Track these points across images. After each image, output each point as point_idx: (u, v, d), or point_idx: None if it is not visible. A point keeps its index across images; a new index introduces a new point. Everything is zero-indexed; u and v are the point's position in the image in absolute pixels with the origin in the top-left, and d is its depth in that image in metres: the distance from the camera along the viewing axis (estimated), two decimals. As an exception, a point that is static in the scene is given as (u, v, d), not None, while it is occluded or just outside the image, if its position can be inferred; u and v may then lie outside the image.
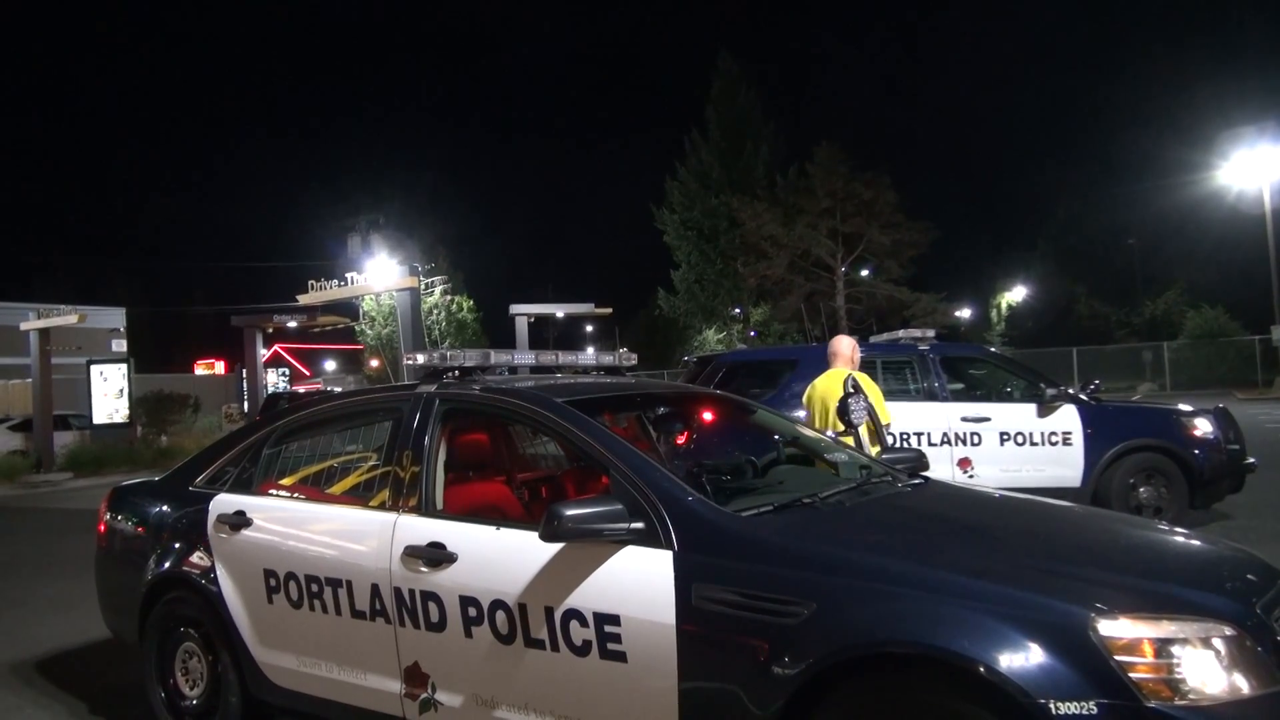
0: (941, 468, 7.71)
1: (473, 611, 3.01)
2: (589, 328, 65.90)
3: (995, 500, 3.50)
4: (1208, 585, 2.46)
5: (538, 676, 2.89)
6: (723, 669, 2.54)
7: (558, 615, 2.82)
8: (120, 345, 28.51)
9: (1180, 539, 3.03)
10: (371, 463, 3.83)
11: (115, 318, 32.89)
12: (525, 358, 3.97)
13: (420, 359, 3.73)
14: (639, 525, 2.76)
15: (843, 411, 4.71)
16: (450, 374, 3.64)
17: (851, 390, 4.82)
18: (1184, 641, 2.20)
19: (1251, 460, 8.10)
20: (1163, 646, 2.19)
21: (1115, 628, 2.19)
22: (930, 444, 7.77)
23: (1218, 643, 2.23)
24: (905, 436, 7.75)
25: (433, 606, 3.10)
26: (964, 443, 7.81)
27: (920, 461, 3.91)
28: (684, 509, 2.79)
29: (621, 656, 2.70)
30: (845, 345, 6.04)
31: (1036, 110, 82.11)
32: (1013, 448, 7.78)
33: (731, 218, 39.04)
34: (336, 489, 3.83)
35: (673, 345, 45.01)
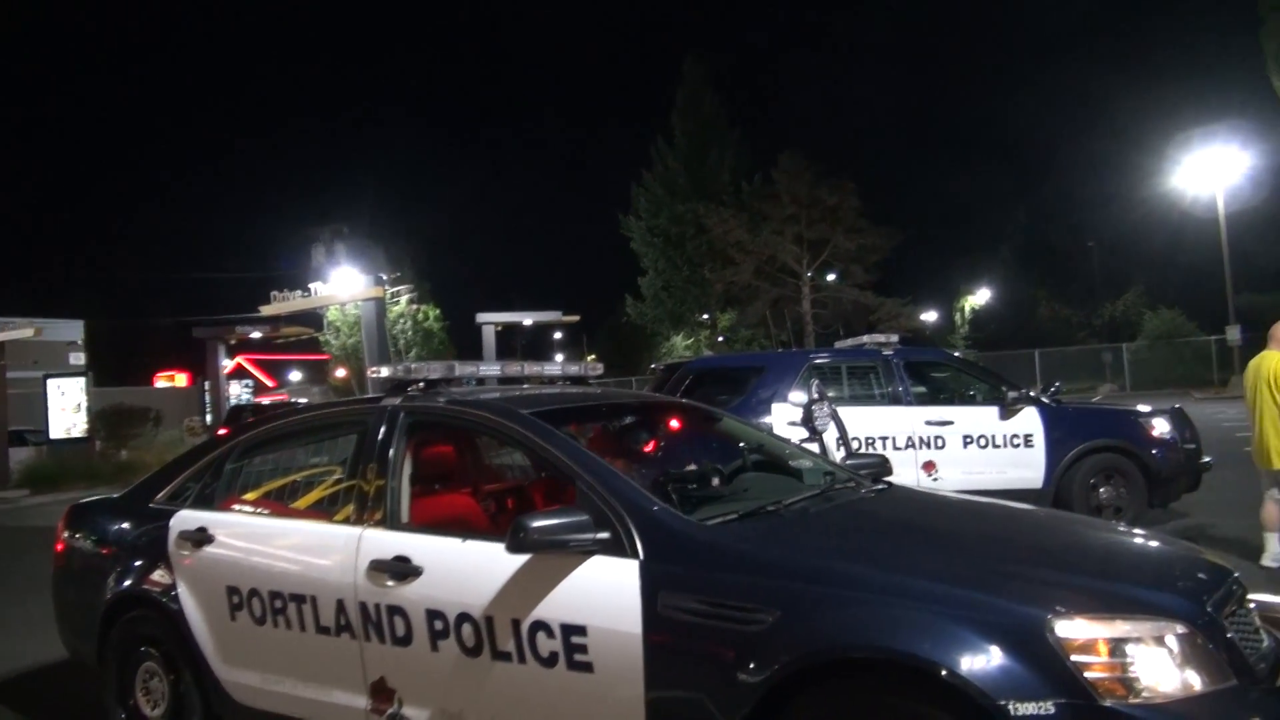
0: (906, 471, 7.79)
1: (439, 625, 3.00)
2: (557, 335, 65.87)
3: (956, 505, 3.55)
4: (1160, 585, 2.52)
5: (505, 689, 2.88)
6: (689, 677, 2.56)
7: (524, 627, 2.82)
8: (78, 358, 27.96)
9: (1135, 539, 3.09)
10: (336, 477, 3.81)
11: (73, 330, 32.22)
12: (491, 369, 3.97)
13: (384, 371, 3.72)
14: (605, 535, 2.77)
15: (806, 418, 4.75)
16: (415, 386, 3.64)
17: (816, 397, 4.86)
18: (1137, 640, 2.25)
19: (1208, 459, 8.27)
20: (1117, 646, 2.24)
21: (1071, 628, 2.24)
22: (895, 448, 7.85)
23: (1170, 641, 2.28)
24: (870, 440, 7.84)
25: (398, 620, 3.09)
26: (928, 446, 7.89)
27: (883, 467, 3.96)
28: (649, 518, 2.80)
29: (588, 667, 2.71)
30: None
31: (998, 115, 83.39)
32: (976, 450, 7.88)
33: (698, 224, 39.16)
34: (301, 504, 3.80)
35: (641, 352, 45.06)
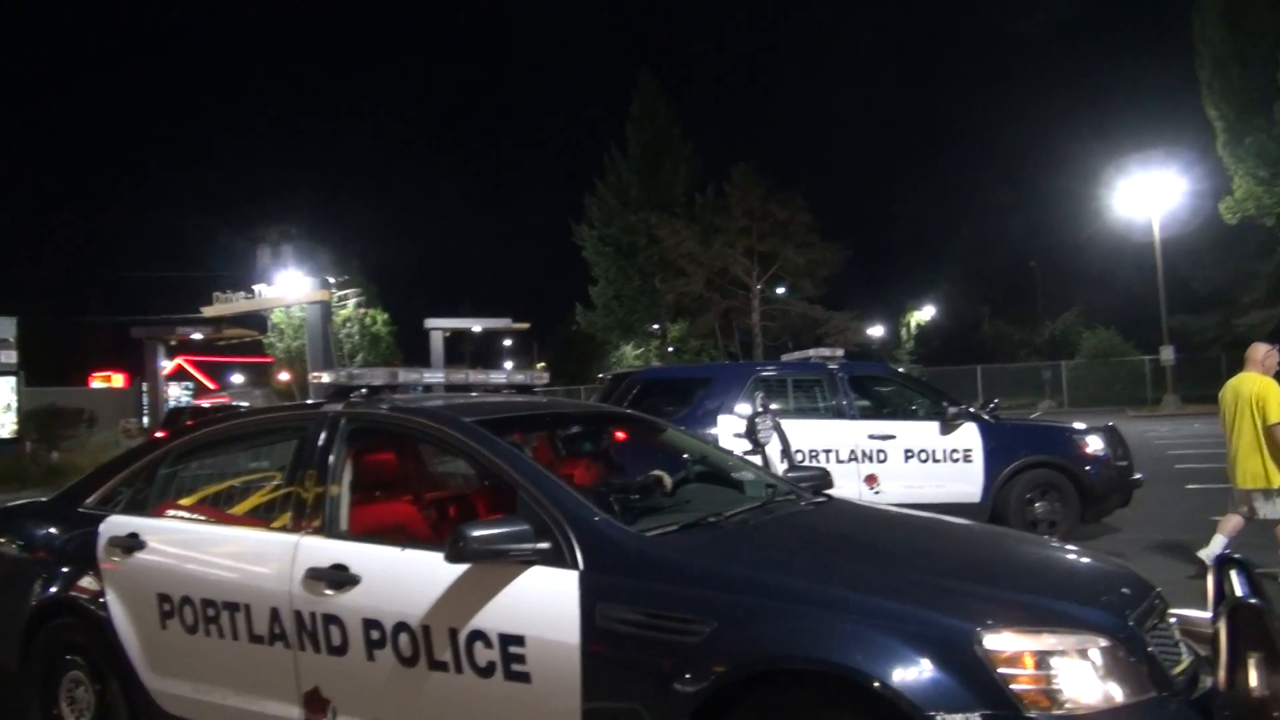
0: (849, 484, 7.90)
1: (375, 634, 2.97)
2: (507, 342, 65.46)
3: (892, 518, 3.62)
4: (1085, 599, 2.59)
5: (441, 699, 2.86)
6: (626, 688, 2.57)
7: (462, 637, 2.81)
8: (9, 356, 27.13)
9: (1064, 554, 3.18)
10: (274, 483, 3.75)
11: (4, 328, 31.28)
12: (435, 376, 3.94)
13: (326, 377, 3.68)
14: (545, 545, 2.77)
15: (750, 430, 4.80)
16: (357, 393, 3.60)
17: (760, 410, 4.91)
18: (1062, 653, 2.31)
19: (1139, 476, 8.51)
20: (1042, 659, 2.30)
21: (999, 641, 2.29)
22: (839, 461, 7.95)
23: (1093, 654, 2.34)
24: (814, 453, 7.93)
25: (334, 630, 3.05)
26: (871, 460, 8.01)
27: (824, 480, 4.00)
28: (590, 529, 2.81)
29: (526, 677, 2.71)
30: None
31: (945, 138, 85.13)
32: (917, 464, 8.01)
33: (650, 235, 39.32)
34: (237, 510, 3.73)
35: (591, 361, 45.04)
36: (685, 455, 4.09)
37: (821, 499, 3.67)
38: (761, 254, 36.60)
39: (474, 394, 4.02)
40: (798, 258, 36.14)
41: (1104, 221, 35.25)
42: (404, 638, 2.91)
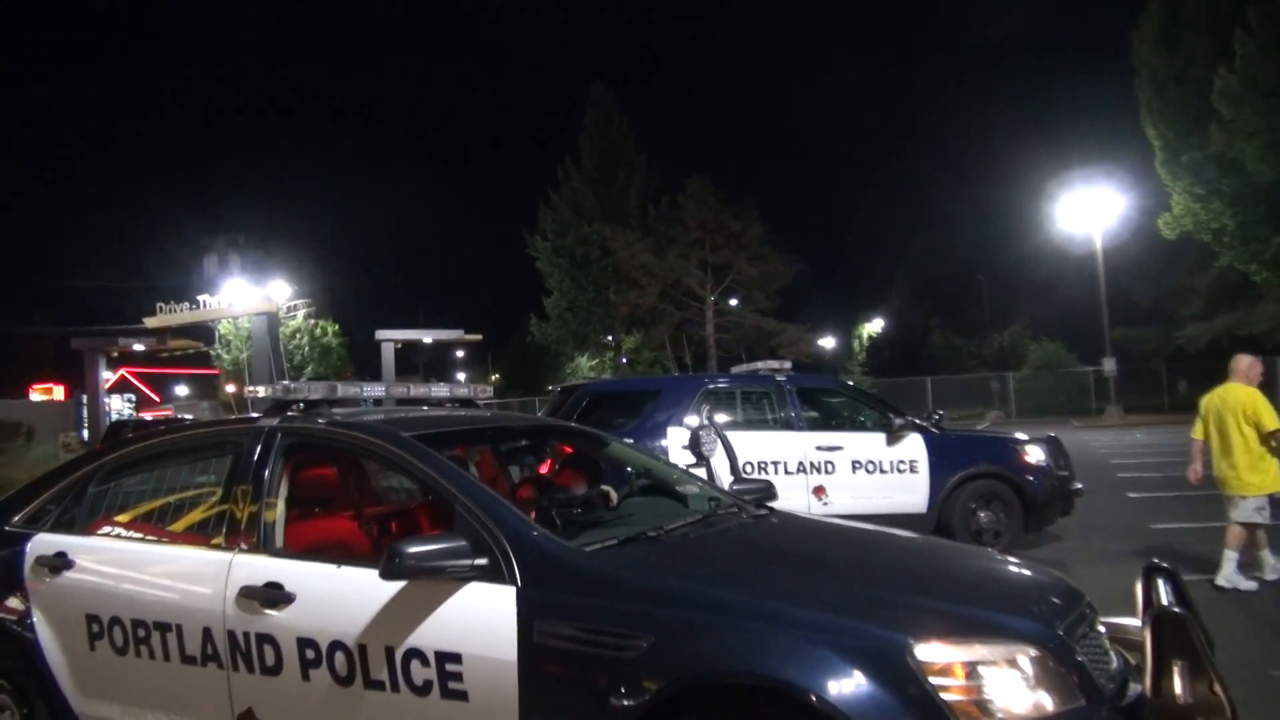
0: (797, 495, 7.96)
1: (310, 653, 2.92)
2: (460, 354, 65.02)
3: (832, 531, 3.64)
4: (1016, 609, 2.64)
5: (377, 718, 2.82)
6: (564, 704, 2.55)
7: (398, 655, 2.78)
8: (-57, 368, 26.32)
9: (997, 565, 3.22)
10: (209, 500, 3.67)
11: (-61, 339, 30.36)
12: (375, 389, 3.90)
13: (262, 391, 3.62)
14: (483, 561, 2.75)
15: (694, 443, 4.81)
16: (295, 407, 3.54)
17: (704, 422, 4.93)
18: (991, 663, 2.35)
19: (1079, 485, 8.68)
20: (973, 669, 2.33)
21: (930, 652, 2.32)
22: (787, 472, 8.00)
23: (1023, 663, 2.38)
24: (763, 464, 7.97)
25: (268, 649, 3.00)
26: (819, 471, 8.07)
27: (768, 492, 4.03)
28: (528, 544, 2.79)
29: (463, 695, 2.68)
30: None
31: (895, 152, 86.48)
32: (864, 475, 8.09)
33: (604, 246, 39.32)
34: (169, 527, 3.64)
35: (546, 372, 44.86)
36: (629, 469, 4.08)
37: (763, 512, 3.68)
38: (715, 265, 36.81)
39: (424, 408, 3.97)
40: (751, 269, 36.37)
41: (1048, 235, 36.03)
42: (339, 656, 2.87)
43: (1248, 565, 6.64)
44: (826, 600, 2.57)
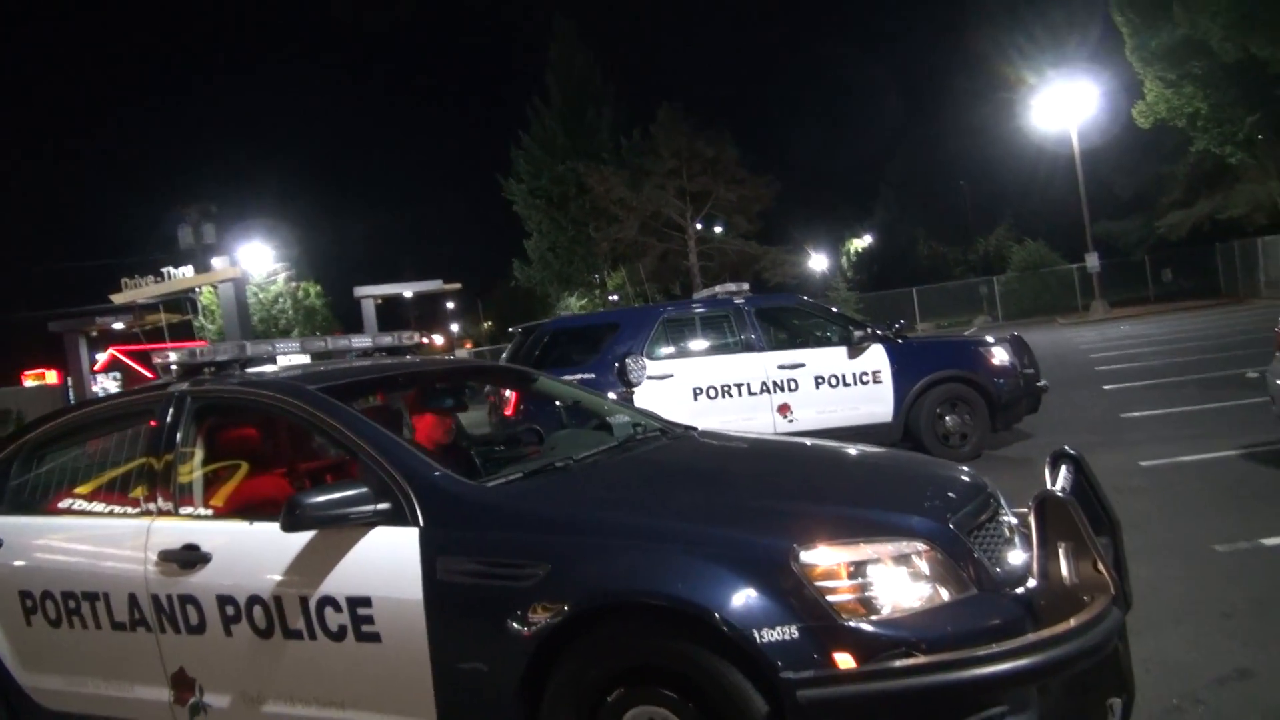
0: (762, 415, 8.00)
1: (230, 610, 2.96)
2: (450, 305, 64.81)
3: (747, 447, 3.66)
4: (905, 507, 2.65)
5: (299, 666, 2.87)
6: (469, 638, 2.59)
7: (313, 603, 2.81)
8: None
9: (898, 465, 3.24)
10: (128, 470, 3.68)
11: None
12: (290, 346, 3.88)
13: (173, 356, 3.60)
14: (385, 506, 2.77)
15: (621, 371, 4.82)
16: (205, 370, 3.53)
17: (630, 351, 4.92)
18: (877, 561, 2.37)
19: (1044, 383, 8.72)
20: (859, 568, 2.35)
21: (814, 556, 2.34)
22: (750, 393, 8.03)
23: (913, 559, 2.41)
24: (726, 388, 8.00)
25: (191, 610, 3.04)
26: (782, 389, 8.10)
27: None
28: (429, 485, 2.81)
29: (376, 637, 2.72)
30: None
31: (870, 62, 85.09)
32: (827, 390, 8.11)
33: (579, 183, 38.91)
34: (91, 500, 3.66)
35: (535, 315, 44.72)
36: (558, 402, 4.09)
37: (682, 432, 3.69)
38: (693, 194, 36.44)
39: (380, 358, 3.93)
40: (729, 194, 36.04)
41: (1025, 135, 35.67)
42: (258, 610, 2.91)
43: None
44: (714, 514, 2.59)
